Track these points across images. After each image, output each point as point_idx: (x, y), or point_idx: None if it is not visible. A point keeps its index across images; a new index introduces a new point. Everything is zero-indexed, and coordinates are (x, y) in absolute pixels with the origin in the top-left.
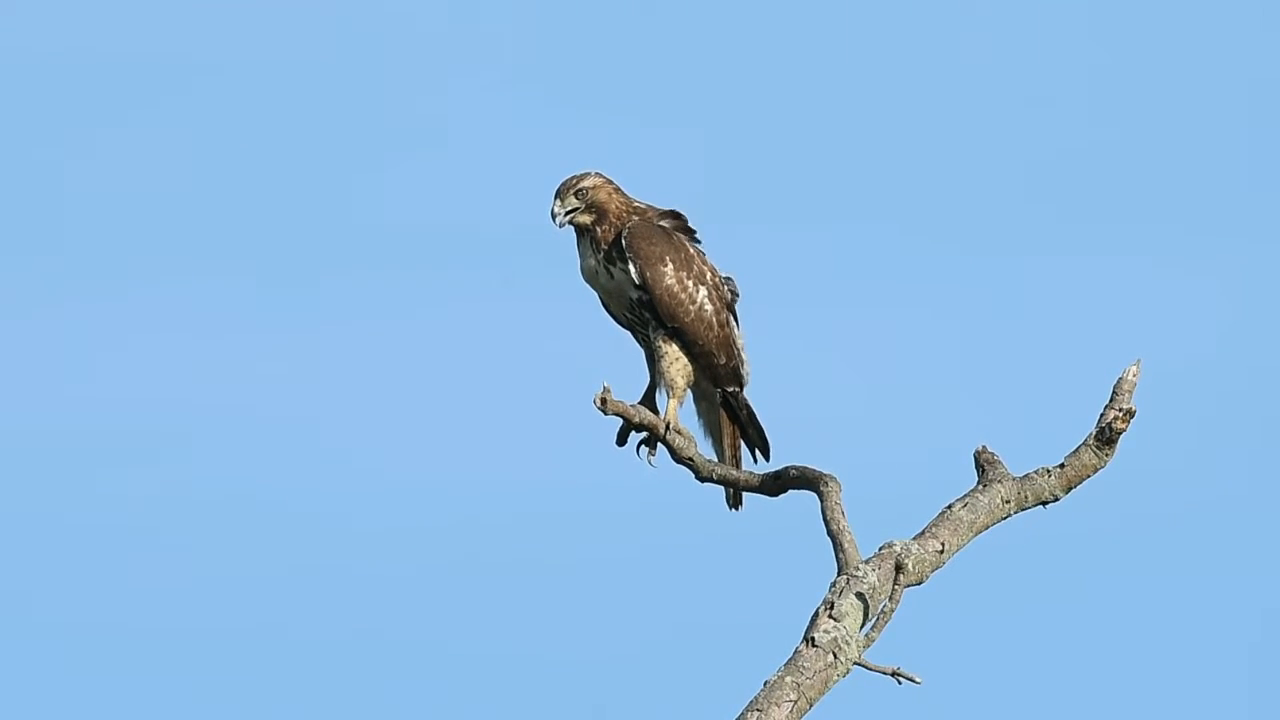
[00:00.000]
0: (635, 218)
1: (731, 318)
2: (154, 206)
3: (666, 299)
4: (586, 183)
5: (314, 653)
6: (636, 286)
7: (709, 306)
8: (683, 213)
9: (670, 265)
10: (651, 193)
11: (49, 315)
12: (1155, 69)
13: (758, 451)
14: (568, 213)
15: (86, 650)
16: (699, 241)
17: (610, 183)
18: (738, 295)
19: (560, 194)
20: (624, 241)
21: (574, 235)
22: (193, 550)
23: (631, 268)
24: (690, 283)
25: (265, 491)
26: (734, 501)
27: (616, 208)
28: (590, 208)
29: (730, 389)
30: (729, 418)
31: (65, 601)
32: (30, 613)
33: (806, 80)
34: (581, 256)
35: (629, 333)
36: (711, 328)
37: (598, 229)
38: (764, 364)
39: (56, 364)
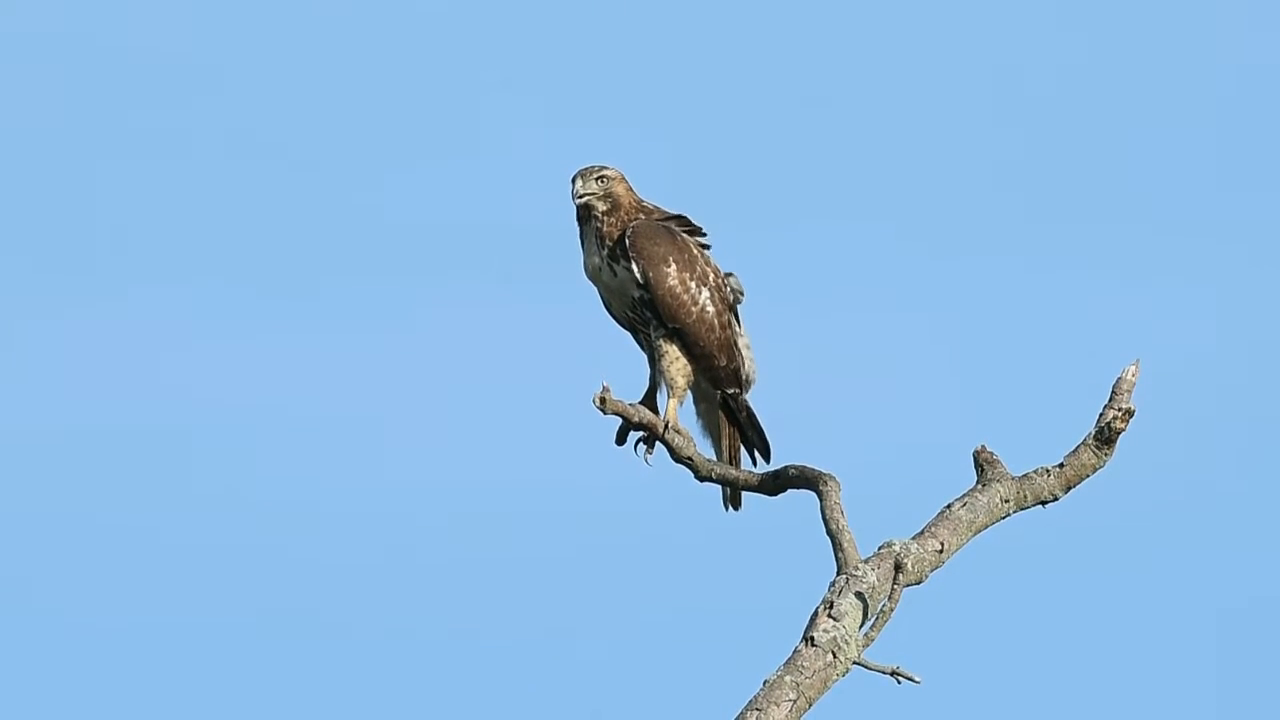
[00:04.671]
0: (641, 216)
1: (734, 319)
2: (155, 207)
3: (669, 300)
4: (608, 172)
5: (317, 652)
6: (639, 286)
7: (711, 308)
8: (688, 216)
9: (674, 266)
10: (658, 195)
11: (52, 316)
12: (1154, 73)
13: (758, 454)
14: (588, 193)
15: (89, 650)
16: (708, 246)
17: (625, 179)
18: (741, 294)
19: (583, 175)
20: (627, 240)
21: (577, 233)
22: (197, 551)
23: (634, 267)
24: (693, 284)
25: (268, 492)
26: (733, 502)
27: (627, 204)
28: (607, 196)
29: (730, 391)
30: (728, 418)
31: (66, 602)
32: (32, 614)
33: (803, 81)
34: (585, 254)
35: (629, 333)
36: (713, 329)
37: (607, 220)
38: (763, 364)
39: (60, 365)
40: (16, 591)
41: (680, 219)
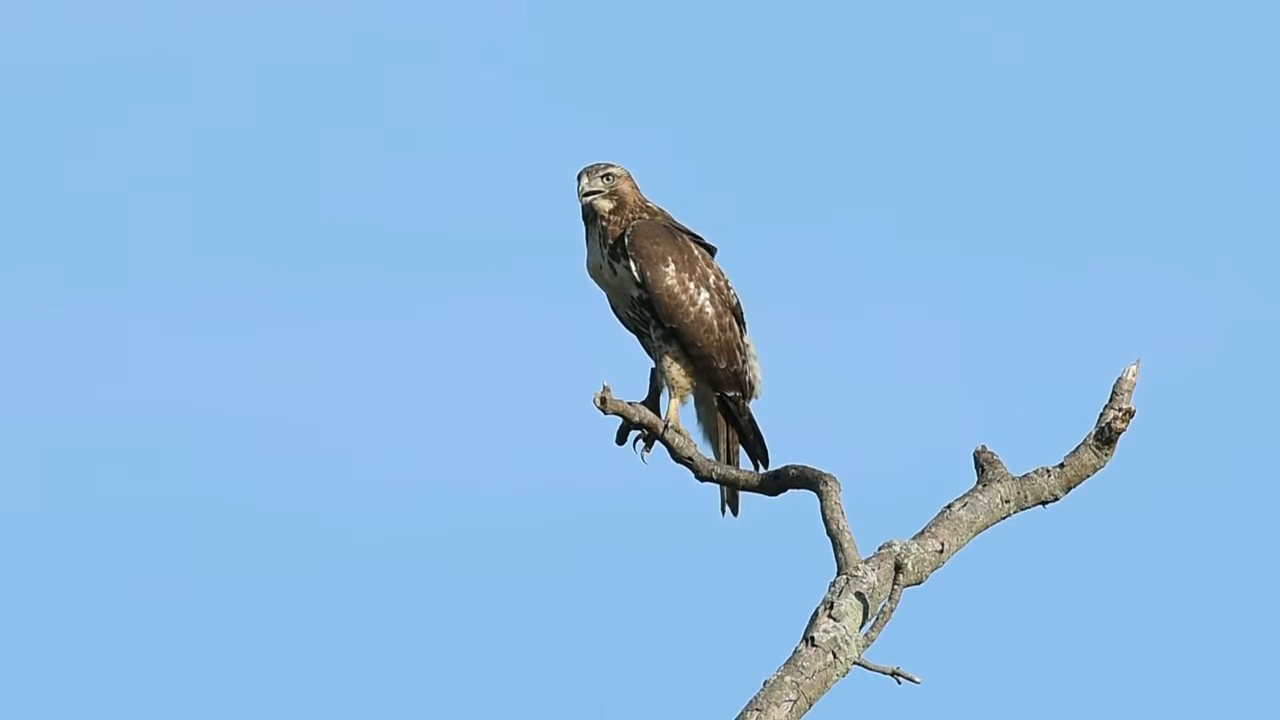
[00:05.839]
0: (645, 216)
1: (736, 322)
2: (153, 206)
3: (666, 299)
4: (615, 170)
5: (312, 657)
6: (638, 285)
7: (710, 309)
8: (701, 235)
9: (672, 266)
10: (655, 191)
11: (39, 316)
12: (1156, 70)
13: (757, 460)
14: (593, 191)
15: (85, 653)
16: (713, 251)
17: (631, 178)
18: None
19: (589, 172)
20: (627, 239)
21: (582, 231)
22: (189, 553)
23: (633, 265)
24: (692, 284)
25: (262, 494)
26: (731, 506)
27: (632, 202)
28: (612, 194)
29: (730, 394)
30: (727, 421)
31: (60, 604)
32: (27, 615)
33: (806, 80)
34: (589, 252)
35: (635, 335)
36: (712, 331)
37: (611, 218)
38: (765, 364)
39: (48, 365)
40: (10, 593)
41: (694, 236)
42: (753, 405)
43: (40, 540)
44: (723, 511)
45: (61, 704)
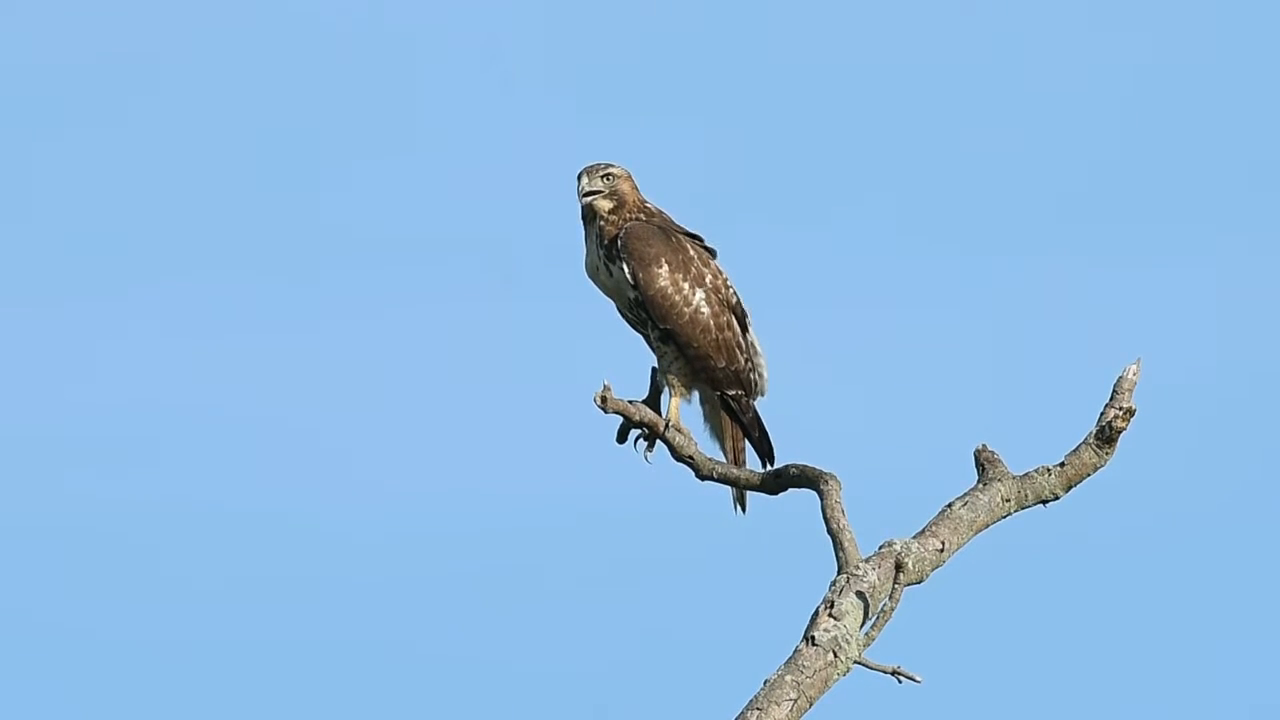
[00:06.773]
0: (642, 217)
1: (736, 321)
2: (152, 206)
3: (659, 300)
4: (615, 170)
5: (314, 661)
6: (632, 286)
7: (705, 310)
8: (700, 235)
9: (665, 267)
10: (655, 191)
11: (35, 315)
12: (1156, 68)
13: (765, 459)
14: (593, 191)
15: (83, 653)
16: (713, 253)
17: (631, 178)
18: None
19: (589, 172)
20: (620, 241)
21: (580, 231)
22: (187, 555)
23: (625, 267)
24: (686, 285)
25: (261, 496)
26: (740, 504)
27: (631, 203)
28: (612, 194)
29: (731, 393)
30: (731, 419)
31: (57, 605)
32: (19, 616)
33: (805, 78)
34: (587, 252)
35: (640, 335)
36: (708, 331)
37: (610, 219)
38: (767, 362)
39: (45, 365)
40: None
41: (692, 237)
42: (756, 404)
43: (36, 541)
44: (735, 508)
45: (48, 706)
